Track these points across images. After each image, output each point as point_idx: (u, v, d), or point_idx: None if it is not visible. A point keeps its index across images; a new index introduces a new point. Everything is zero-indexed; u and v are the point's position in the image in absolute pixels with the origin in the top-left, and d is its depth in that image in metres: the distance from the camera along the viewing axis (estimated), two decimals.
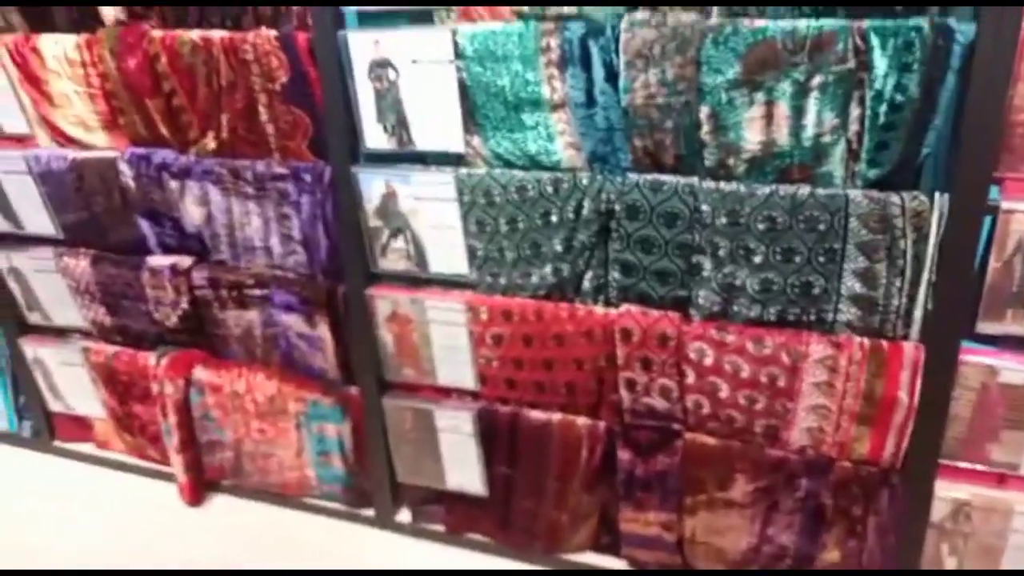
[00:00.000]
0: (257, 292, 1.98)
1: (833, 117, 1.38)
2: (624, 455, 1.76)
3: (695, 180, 1.50)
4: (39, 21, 1.93)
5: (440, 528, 2.07)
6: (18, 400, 2.50)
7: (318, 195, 1.81)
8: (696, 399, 1.66)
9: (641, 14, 1.41)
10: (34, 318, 2.35)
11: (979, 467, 1.56)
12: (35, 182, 2.08)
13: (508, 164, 1.65)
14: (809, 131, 1.40)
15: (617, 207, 1.56)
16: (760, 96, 1.39)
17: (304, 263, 1.92)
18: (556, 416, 1.79)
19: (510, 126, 1.59)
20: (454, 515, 2.04)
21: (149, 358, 2.16)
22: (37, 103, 1.99)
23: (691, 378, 1.64)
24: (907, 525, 1.61)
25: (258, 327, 2.04)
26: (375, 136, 1.70)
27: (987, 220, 1.36)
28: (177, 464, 2.22)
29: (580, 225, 1.61)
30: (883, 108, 1.33)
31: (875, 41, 1.29)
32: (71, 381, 2.36)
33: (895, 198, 1.38)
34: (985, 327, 1.44)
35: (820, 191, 1.42)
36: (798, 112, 1.39)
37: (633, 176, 1.54)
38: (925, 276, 1.42)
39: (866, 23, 1.30)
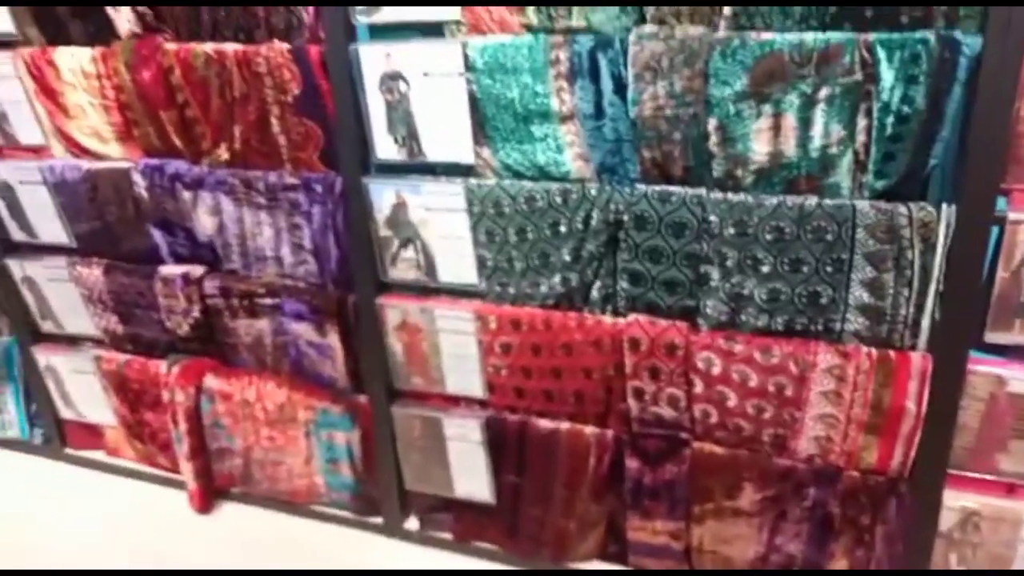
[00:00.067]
0: (268, 301, 2.00)
1: (840, 129, 1.39)
2: (632, 464, 1.77)
3: (703, 191, 1.51)
4: (55, 34, 1.95)
5: (448, 536, 2.08)
6: (30, 408, 2.52)
7: (329, 205, 1.82)
8: (704, 408, 1.67)
9: (650, 27, 1.42)
10: (47, 326, 2.37)
11: (988, 477, 1.56)
12: (49, 192, 2.11)
13: (517, 175, 1.66)
14: (816, 142, 1.41)
15: (625, 217, 1.58)
16: (768, 108, 1.40)
17: (315, 272, 1.94)
18: (564, 425, 1.80)
19: (519, 137, 1.61)
20: (462, 523, 2.05)
21: (160, 366, 2.18)
22: (52, 114, 2.02)
23: (699, 387, 1.65)
24: (915, 534, 1.61)
25: (268, 336, 2.05)
26: (386, 147, 1.72)
27: (995, 231, 1.36)
28: (187, 471, 2.23)
29: (589, 235, 1.62)
30: (890, 120, 1.35)
31: (882, 54, 1.30)
32: (83, 389, 2.38)
33: (902, 209, 1.39)
34: (993, 337, 1.44)
35: (827, 202, 1.43)
36: (805, 124, 1.40)
37: (641, 187, 1.56)
38: (933, 286, 1.42)
39: (872, 36, 1.31)
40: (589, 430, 1.78)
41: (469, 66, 1.56)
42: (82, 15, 1.91)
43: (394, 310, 1.86)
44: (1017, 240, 1.36)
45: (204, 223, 2.00)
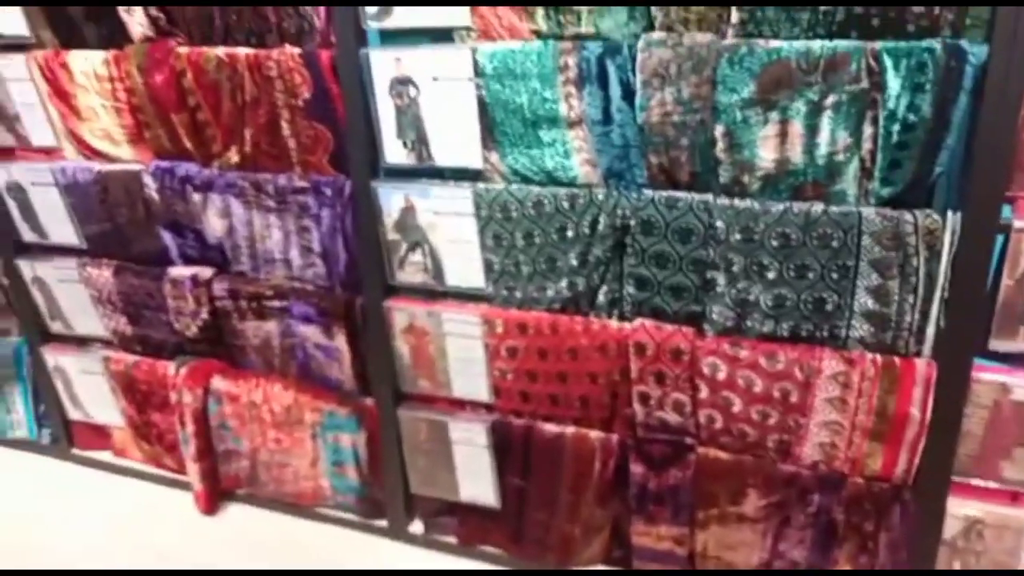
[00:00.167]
0: (276, 303, 2.01)
1: (847, 136, 1.40)
2: (637, 469, 1.77)
3: (710, 197, 1.52)
4: (69, 38, 1.97)
5: (453, 539, 2.08)
6: (38, 408, 2.53)
7: (338, 209, 1.84)
8: (709, 413, 1.67)
9: (658, 34, 1.44)
10: (56, 327, 2.39)
11: (992, 484, 1.56)
12: (61, 193, 2.13)
13: (525, 180, 1.68)
14: (823, 149, 1.42)
15: (632, 222, 1.59)
16: (774, 115, 1.41)
17: (323, 275, 1.95)
18: (570, 429, 1.81)
19: (528, 143, 1.62)
20: (467, 527, 2.05)
21: (168, 367, 2.19)
22: (65, 117, 2.04)
23: (704, 392, 1.65)
24: (919, 542, 1.61)
25: (276, 338, 2.07)
26: (395, 151, 1.73)
27: (1000, 238, 1.37)
28: (193, 473, 2.24)
29: (595, 240, 1.63)
30: (896, 128, 1.35)
31: (888, 62, 1.31)
32: (91, 389, 2.39)
33: (908, 216, 1.39)
34: (998, 344, 1.45)
35: (833, 208, 1.44)
36: (812, 131, 1.41)
37: (648, 192, 1.57)
38: (938, 293, 1.43)
39: (879, 44, 1.32)
40: (594, 435, 1.79)
41: (478, 71, 1.58)
42: (95, 18, 1.94)
43: (401, 313, 1.87)
44: (1022, 248, 1.37)
45: (214, 225, 2.01)
